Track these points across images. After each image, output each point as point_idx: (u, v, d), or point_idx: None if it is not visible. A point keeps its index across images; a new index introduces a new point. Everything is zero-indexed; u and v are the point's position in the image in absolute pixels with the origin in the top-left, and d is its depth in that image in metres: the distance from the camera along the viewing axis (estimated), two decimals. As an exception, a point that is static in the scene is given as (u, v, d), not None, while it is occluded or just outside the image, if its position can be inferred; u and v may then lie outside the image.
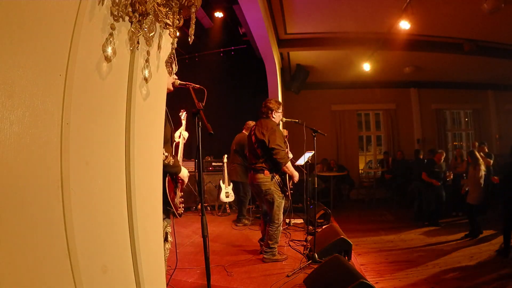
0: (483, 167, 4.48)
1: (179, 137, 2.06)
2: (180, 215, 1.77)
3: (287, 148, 3.22)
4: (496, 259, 3.63)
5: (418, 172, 5.42)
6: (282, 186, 3.08)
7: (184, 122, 2.19)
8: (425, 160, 5.63)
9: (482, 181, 4.42)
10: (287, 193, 3.12)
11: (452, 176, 5.22)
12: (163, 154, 1.55)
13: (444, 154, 5.30)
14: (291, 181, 3.16)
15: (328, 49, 5.99)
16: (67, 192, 0.84)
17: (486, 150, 5.91)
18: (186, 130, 2.17)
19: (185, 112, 2.23)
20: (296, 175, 3.13)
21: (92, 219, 0.95)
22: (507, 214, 3.77)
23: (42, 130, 0.78)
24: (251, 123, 4.64)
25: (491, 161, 5.68)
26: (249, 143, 3.27)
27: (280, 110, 3.26)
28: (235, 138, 4.85)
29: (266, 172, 3.04)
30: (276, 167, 3.02)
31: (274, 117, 3.19)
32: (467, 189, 4.79)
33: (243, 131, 4.79)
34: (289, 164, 3.05)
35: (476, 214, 4.52)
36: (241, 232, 4.31)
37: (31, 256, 0.75)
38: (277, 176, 3.06)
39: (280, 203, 3.08)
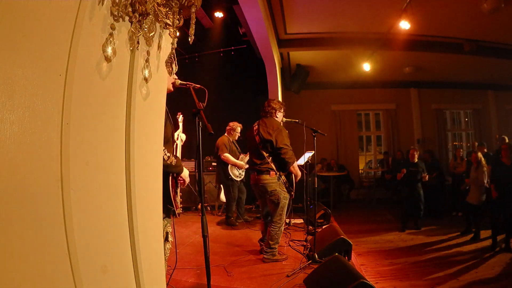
0: (485, 168, 4.47)
1: (177, 139, 2.06)
2: (178, 214, 1.78)
3: None
4: (496, 259, 3.63)
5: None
6: (288, 186, 3.07)
7: (181, 124, 2.20)
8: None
9: (485, 182, 4.42)
10: (292, 193, 3.12)
11: (427, 178, 5.08)
12: (166, 154, 1.55)
13: (417, 151, 5.18)
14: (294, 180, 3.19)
15: (328, 49, 5.98)
16: (67, 192, 0.84)
17: (485, 150, 5.90)
18: (183, 132, 2.18)
19: (181, 116, 2.24)
20: (300, 174, 3.16)
21: (92, 219, 0.94)
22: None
23: (42, 130, 0.78)
24: (233, 125, 4.65)
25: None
26: (252, 144, 3.22)
27: (283, 110, 3.25)
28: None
29: (272, 173, 3.01)
30: (283, 167, 2.99)
31: (277, 117, 3.19)
32: (467, 187, 4.79)
33: (225, 134, 4.74)
34: (294, 163, 3.05)
35: (473, 213, 4.53)
36: (241, 232, 4.31)
37: (31, 256, 0.75)
38: (283, 177, 3.04)
39: (285, 203, 3.07)
